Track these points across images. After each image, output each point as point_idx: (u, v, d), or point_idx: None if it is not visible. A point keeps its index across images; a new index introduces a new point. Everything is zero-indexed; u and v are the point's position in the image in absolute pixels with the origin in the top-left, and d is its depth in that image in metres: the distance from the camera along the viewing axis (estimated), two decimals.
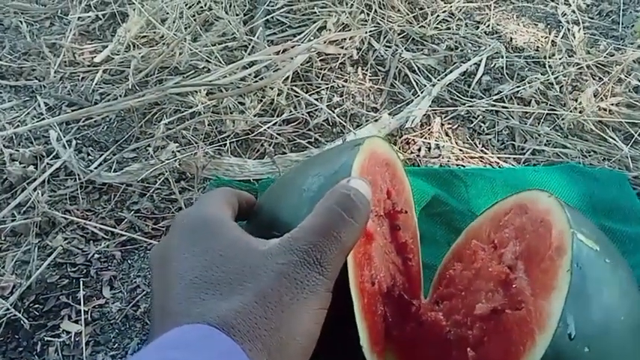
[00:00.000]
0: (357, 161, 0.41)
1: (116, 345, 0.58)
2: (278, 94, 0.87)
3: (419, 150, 0.79)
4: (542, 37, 1.00)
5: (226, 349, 0.28)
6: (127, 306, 0.60)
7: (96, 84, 0.90)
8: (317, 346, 0.35)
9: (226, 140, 0.79)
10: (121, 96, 0.86)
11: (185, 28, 0.97)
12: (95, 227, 0.68)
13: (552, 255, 0.40)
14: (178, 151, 0.76)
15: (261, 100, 0.86)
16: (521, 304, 0.40)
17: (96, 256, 0.65)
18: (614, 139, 0.78)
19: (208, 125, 0.82)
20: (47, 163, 0.75)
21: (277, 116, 0.84)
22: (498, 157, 0.78)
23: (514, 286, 0.41)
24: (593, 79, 0.89)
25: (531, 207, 0.45)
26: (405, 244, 0.48)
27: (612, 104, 0.84)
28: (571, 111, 0.83)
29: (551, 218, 0.42)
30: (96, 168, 0.75)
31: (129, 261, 0.65)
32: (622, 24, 1.04)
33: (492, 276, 0.43)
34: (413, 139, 0.81)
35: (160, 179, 0.74)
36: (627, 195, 0.68)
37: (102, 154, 0.78)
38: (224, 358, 0.28)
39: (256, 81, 0.88)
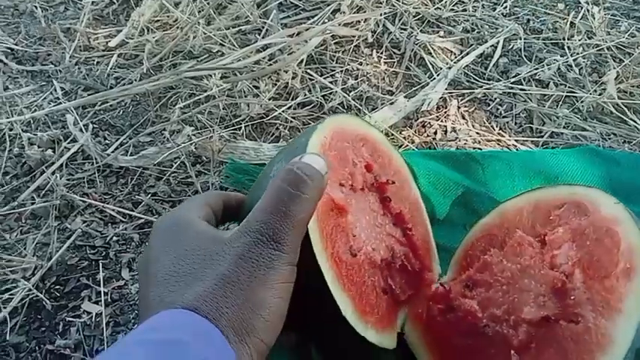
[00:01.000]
0: (314, 138, 0.42)
1: (136, 326, 0.58)
2: (292, 78, 0.86)
3: (435, 133, 0.79)
4: (560, 17, 0.98)
5: (202, 327, 0.31)
6: None
7: (111, 68, 0.90)
8: (301, 318, 0.36)
9: (241, 124, 0.79)
10: (136, 80, 0.86)
11: (199, 12, 0.97)
12: (113, 210, 0.69)
13: (619, 274, 0.39)
14: (194, 135, 0.76)
15: (276, 84, 0.86)
16: (577, 318, 0.39)
17: (114, 238, 0.66)
18: (635, 122, 0.77)
19: (223, 109, 0.82)
20: (65, 147, 0.75)
21: (292, 100, 0.83)
22: (516, 140, 0.77)
23: (572, 297, 0.40)
24: (614, 60, 0.88)
25: (592, 209, 0.43)
26: (400, 215, 0.48)
27: (633, 86, 0.82)
28: (590, 93, 0.82)
29: (620, 230, 0.41)
30: (113, 152, 0.75)
31: (147, 243, 0.66)
32: None
33: (545, 280, 0.42)
34: (429, 122, 0.80)
35: (176, 163, 0.74)
36: None
37: (118, 138, 0.79)
38: (200, 335, 0.30)
39: (270, 64, 0.88)
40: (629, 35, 0.91)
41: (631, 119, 0.77)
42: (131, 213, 0.68)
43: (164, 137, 0.78)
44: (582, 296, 0.40)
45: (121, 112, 0.83)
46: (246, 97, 0.83)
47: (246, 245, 0.33)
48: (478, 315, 0.44)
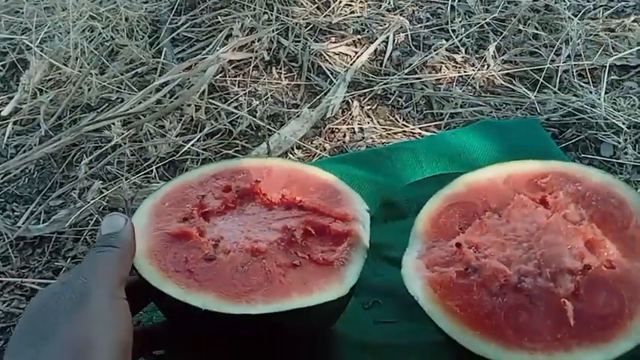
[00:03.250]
0: (142, 205, 0.52)
1: None
2: (196, 110, 0.86)
3: (344, 136, 0.81)
4: (441, 4, 1.03)
5: None
6: None
7: (8, 137, 0.87)
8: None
9: (152, 166, 0.78)
10: (35, 145, 0.83)
11: (89, 63, 0.95)
12: (33, 283, 0.66)
13: (637, 225, 0.46)
14: (105, 188, 0.75)
15: (181, 120, 0.85)
16: (611, 264, 0.45)
17: None
18: (521, 87, 0.82)
19: (132, 155, 0.80)
20: None
21: (199, 132, 0.83)
22: (420, 128, 0.80)
23: (607, 247, 0.46)
24: (495, 34, 0.93)
25: (581, 177, 0.51)
26: (285, 198, 0.53)
27: (515, 55, 0.88)
28: (479, 69, 0.86)
29: (619, 191, 0.49)
30: (23, 223, 0.73)
31: None
32: None
33: (574, 234, 0.47)
34: (337, 128, 0.82)
35: (92, 220, 0.72)
36: (541, 138, 0.72)
37: (27, 208, 0.76)
38: None
39: (172, 101, 0.87)
40: (502, 8, 0.97)
41: (518, 86, 0.82)
42: (53, 281, 0.66)
43: (75, 197, 0.76)
44: (611, 246, 0.46)
45: (26, 181, 0.80)
46: (152, 138, 0.83)
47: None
48: (508, 272, 0.45)
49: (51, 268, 0.68)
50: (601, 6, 0.97)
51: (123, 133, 0.81)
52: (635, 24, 0.92)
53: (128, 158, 0.80)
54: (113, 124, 0.82)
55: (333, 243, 0.50)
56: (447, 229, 0.52)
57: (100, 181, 0.75)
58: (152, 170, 0.78)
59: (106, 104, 0.90)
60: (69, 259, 0.69)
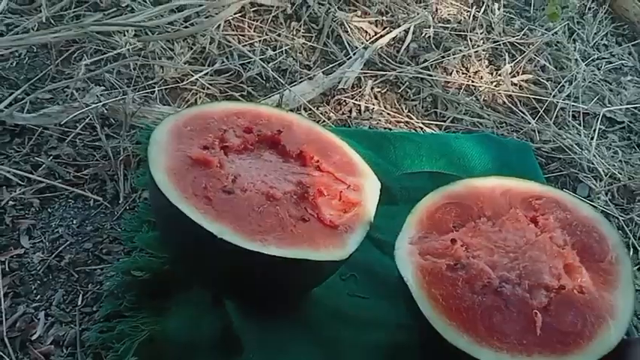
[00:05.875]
0: (160, 126, 0.51)
1: (38, 297, 0.55)
2: (210, 43, 0.84)
3: (350, 111, 0.82)
4: (465, 10, 1.05)
5: None
6: (50, 256, 0.57)
7: (0, 13, 0.80)
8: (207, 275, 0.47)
9: (154, 87, 0.76)
10: (33, 29, 0.78)
11: None
12: (8, 172, 0.63)
13: (613, 261, 0.51)
14: (102, 95, 0.72)
15: (192, 48, 0.83)
16: (582, 289, 0.49)
17: (10, 203, 0.61)
18: (523, 113, 0.86)
19: (134, 69, 0.77)
20: None
21: (209, 65, 0.81)
22: (422, 123, 0.82)
23: (582, 273, 0.50)
24: (508, 55, 0.96)
25: (571, 207, 0.55)
26: (303, 154, 0.55)
27: (523, 81, 0.91)
28: (487, 85, 0.89)
29: (603, 229, 0.54)
30: (6, 107, 0.68)
31: (49, 209, 0.62)
32: (533, 5, 1.12)
33: (557, 255, 0.51)
34: (345, 100, 0.83)
35: (81, 124, 0.69)
36: (530, 164, 0.76)
37: (12, 93, 0.71)
38: None
39: (186, 27, 0.84)
40: (523, 35, 1.00)
41: (520, 110, 0.86)
42: (30, 176, 0.63)
43: (67, 95, 0.72)
44: (585, 274, 0.50)
45: (14, 64, 0.75)
46: (159, 58, 0.79)
47: None
48: (492, 275, 0.49)
49: (29, 162, 0.65)
50: (604, 58, 1.03)
51: (131, 44, 0.78)
52: (630, 84, 0.98)
53: (131, 72, 0.76)
54: (125, 33, 0.78)
55: (342, 209, 0.52)
56: (442, 225, 0.54)
57: (101, 87, 0.72)
58: (154, 91, 0.75)
59: (115, 9, 0.85)
60: (50, 157, 0.66)
